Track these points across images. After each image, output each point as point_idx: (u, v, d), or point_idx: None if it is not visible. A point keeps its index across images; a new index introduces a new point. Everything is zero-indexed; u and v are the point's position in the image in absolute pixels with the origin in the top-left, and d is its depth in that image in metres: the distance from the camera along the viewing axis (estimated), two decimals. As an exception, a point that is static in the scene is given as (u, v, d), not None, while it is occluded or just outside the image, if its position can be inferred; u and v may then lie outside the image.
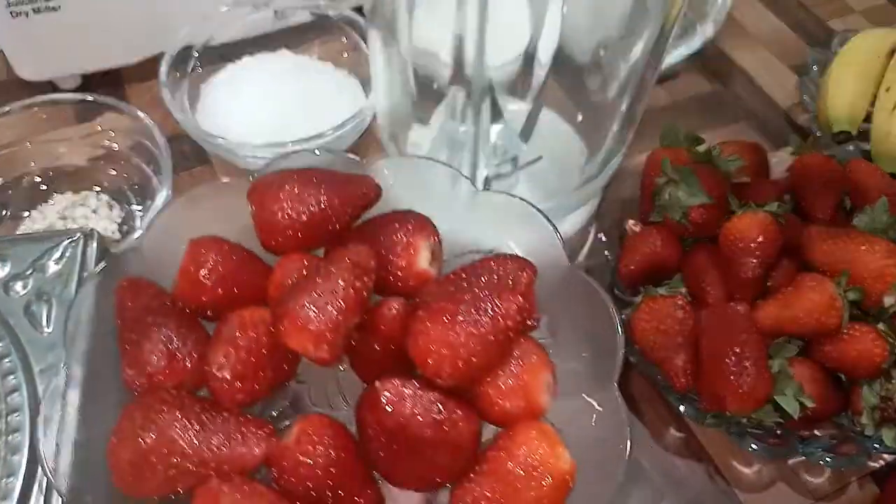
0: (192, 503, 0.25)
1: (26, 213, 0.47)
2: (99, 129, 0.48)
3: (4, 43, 0.51)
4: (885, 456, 0.41)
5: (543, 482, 0.25)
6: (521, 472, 0.25)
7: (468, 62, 0.32)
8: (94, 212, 0.47)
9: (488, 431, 0.28)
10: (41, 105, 0.47)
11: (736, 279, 0.40)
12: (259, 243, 0.31)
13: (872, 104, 0.52)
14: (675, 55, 0.45)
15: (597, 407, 0.28)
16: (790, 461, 0.42)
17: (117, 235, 0.46)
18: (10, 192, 0.47)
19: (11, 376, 0.33)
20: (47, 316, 0.35)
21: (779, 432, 0.39)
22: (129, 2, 0.50)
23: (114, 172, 0.48)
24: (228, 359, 0.26)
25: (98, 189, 0.48)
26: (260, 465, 0.26)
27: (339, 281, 0.26)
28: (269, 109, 0.50)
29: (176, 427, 0.25)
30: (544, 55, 0.38)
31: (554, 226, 0.31)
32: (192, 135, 0.48)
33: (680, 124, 0.48)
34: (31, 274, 0.36)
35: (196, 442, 0.25)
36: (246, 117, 0.50)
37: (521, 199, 0.32)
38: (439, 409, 0.25)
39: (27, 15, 0.48)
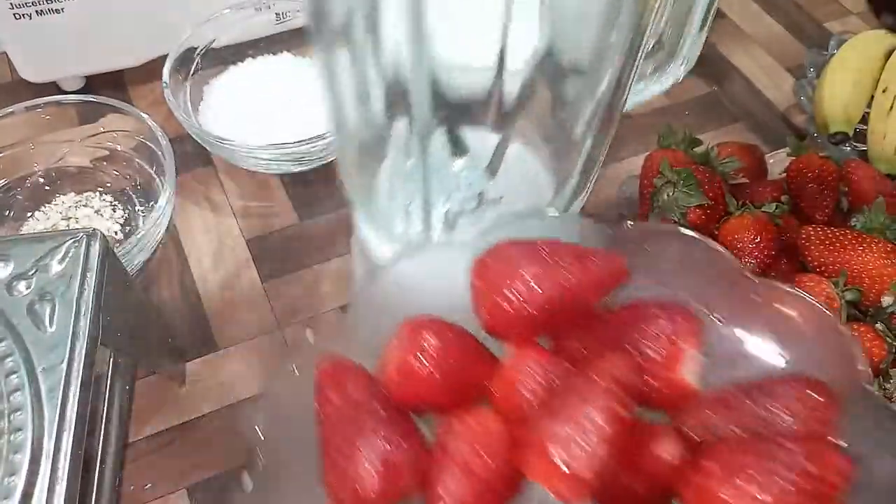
0: None
1: (30, 214, 0.47)
2: (102, 130, 0.48)
3: (8, 45, 0.51)
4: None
5: None
6: None
7: (410, 85, 0.25)
8: (98, 212, 0.47)
9: None
10: (44, 106, 0.47)
11: (734, 279, 0.40)
12: (479, 322, 0.26)
13: (869, 105, 0.53)
14: (646, 94, 0.44)
15: None
16: (788, 460, 0.42)
17: (120, 236, 0.47)
18: (13, 192, 0.48)
19: (14, 375, 0.33)
20: (50, 316, 0.35)
21: (777, 431, 0.40)
22: (133, 4, 0.51)
23: (117, 173, 0.48)
24: (459, 485, 0.22)
25: (101, 190, 0.48)
26: None
27: (599, 406, 0.21)
28: (270, 111, 0.51)
29: None
30: (515, 66, 0.30)
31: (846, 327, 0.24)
32: (195, 136, 0.48)
33: (677, 126, 0.49)
34: (34, 274, 0.36)
35: None
36: (248, 119, 0.50)
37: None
38: None
39: (30, 17, 0.49)
